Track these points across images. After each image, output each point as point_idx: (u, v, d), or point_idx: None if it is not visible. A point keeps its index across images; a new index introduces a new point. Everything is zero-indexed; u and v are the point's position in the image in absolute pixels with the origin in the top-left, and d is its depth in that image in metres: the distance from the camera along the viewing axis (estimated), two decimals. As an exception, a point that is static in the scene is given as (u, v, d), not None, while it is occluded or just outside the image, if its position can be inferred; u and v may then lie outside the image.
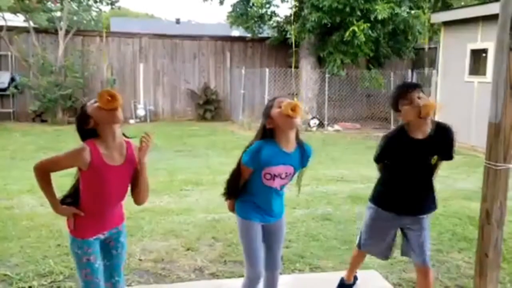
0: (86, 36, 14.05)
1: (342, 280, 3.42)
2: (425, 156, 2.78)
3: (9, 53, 13.17)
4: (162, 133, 11.69)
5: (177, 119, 14.80)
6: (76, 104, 12.74)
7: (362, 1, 11.81)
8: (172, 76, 14.91)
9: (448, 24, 11.41)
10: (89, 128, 2.32)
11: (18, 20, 14.18)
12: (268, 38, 14.99)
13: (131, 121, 13.98)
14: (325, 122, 13.59)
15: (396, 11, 12.06)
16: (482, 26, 10.19)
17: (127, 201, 2.55)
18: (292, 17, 13.14)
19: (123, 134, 2.45)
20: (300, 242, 4.44)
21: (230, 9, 14.73)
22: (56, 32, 13.35)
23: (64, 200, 2.42)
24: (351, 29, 11.88)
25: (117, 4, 16.67)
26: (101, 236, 2.45)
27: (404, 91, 2.74)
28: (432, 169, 2.85)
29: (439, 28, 12.84)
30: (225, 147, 9.84)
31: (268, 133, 2.55)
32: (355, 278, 3.44)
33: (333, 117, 14.07)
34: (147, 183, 2.46)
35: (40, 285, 3.50)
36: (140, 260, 3.95)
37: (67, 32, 13.31)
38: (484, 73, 10.06)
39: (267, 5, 14.20)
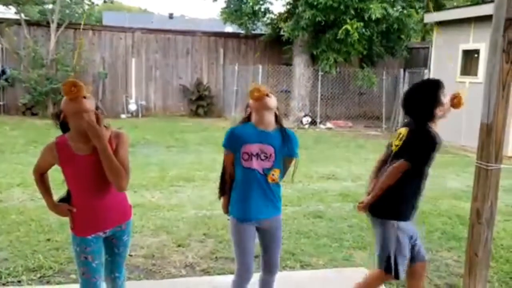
0: (78, 30, 13.93)
1: None
2: None
3: (0, 46, 13.02)
4: (153, 129, 11.65)
5: (169, 114, 14.74)
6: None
7: (356, 0, 11.84)
8: (164, 71, 14.84)
9: (440, 24, 11.47)
10: (63, 122, 2.34)
11: (9, 12, 14.01)
12: (261, 35, 14.97)
13: (123, 115, 13.91)
14: (317, 120, 13.62)
15: (389, 11, 12.11)
16: (474, 27, 10.25)
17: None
18: (285, 14, 13.13)
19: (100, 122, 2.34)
20: (291, 239, 4.45)
21: (224, 5, 14.70)
22: (48, 25, 13.22)
23: (61, 201, 2.45)
24: (344, 27, 11.92)
25: (110, -2, 16.53)
26: (102, 234, 2.44)
27: (443, 86, 2.78)
28: None
29: (431, 28, 12.91)
30: (217, 143, 9.69)
31: (248, 119, 2.70)
32: None
33: (326, 115, 14.09)
34: (113, 167, 2.28)
35: (29, 280, 3.47)
36: (131, 255, 3.92)
37: (59, 25, 13.19)
38: (475, 74, 10.14)
39: (261, 2, 14.17)
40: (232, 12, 14.26)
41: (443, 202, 5.93)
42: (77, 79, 2.33)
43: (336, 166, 7.98)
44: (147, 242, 4.26)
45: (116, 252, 2.53)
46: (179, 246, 4.21)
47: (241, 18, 14.11)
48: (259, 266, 2.85)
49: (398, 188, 2.73)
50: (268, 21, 14.66)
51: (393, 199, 2.76)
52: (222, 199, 2.81)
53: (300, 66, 13.58)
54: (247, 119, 2.70)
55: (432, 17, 12.01)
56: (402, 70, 13.70)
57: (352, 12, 11.99)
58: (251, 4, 13.71)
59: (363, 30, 12.09)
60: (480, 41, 9.86)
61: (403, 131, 2.85)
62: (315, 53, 13.10)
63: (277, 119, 2.67)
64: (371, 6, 11.79)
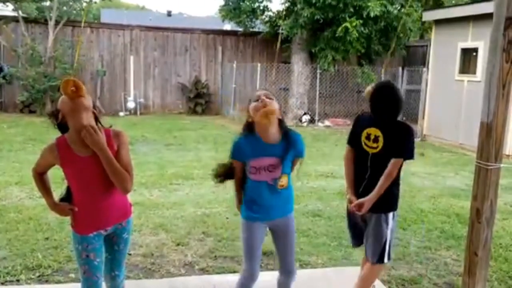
0: (76, 27, 13.88)
1: None
2: None
3: (-2, 43, 12.99)
4: (152, 126, 11.63)
5: (167, 112, 14.72)
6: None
7: (355, -2, 11.83)
8: (163, 69, 14.81)
9: (439, 22, 11.46)
10: (61, 123, 2.31)
11: (7, 9, 13.95)
12: (260, 33, 14.94)
13: (121, 113, 13.88)
14: (316, 118, 13.61)
15: (388, 8, 12.10)
16: (472, 25, 10.24)
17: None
18: (284, 12, 13.09)
19: (100, 123, 2.37)
20: (290, 238, 4.45)
21: (222, 2, 14.66)
22: (45, 22, 13.16)
23: (61, 201, 2.44)
24: (343, 25, 11.90)
25: (108, -5, 16.48)
26: (103, 232, 2.44)
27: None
28: None
29: (430, 26, 12.89)
30: (215, 141, 9.81)
31: (251, 126, 2.61)
32: None
33: (324, 113, 14.08)
34: (117, 172, 2.30)
35: (28, 279, 3.47)
36: (130, 254, 3.92)
37: (57, 22, 13.14)
38: (474, 72, 10.13)
39: (260, 0, 14.14)
40: (231, 10, 14.23)
41: (442, 200, 5.93)
42: (76, 77, 2.31)
43: (335, 164, 7.97)
44: (146, 240, 4.26)
45: (116, 249, 2.53)
46: (178, 244, 4.21)
47: (239, 16, 14.08)
48: (265, 266, 2.84)
49: (392, 182, 2.90)
50: (267, 19, 14.61)
51: (388, 193, 2.90)
52: (235, 200, 2.81)
53: (299, 64, 13.56)
54: (249, 127, 2.62)
55: (430, 15, 12.00)
56: (400, 68, 13.68)
57: (351, 9, 11.97)
58: (249, 2, 13.68)
59: (362, 28, 12.08)
60: (478, 39, 9.85)
61: (374, 131, 2.92)
62: (313, 51, 13.08)
63: (281, 124, 2.61)
64: (370, 3, 11.77)
